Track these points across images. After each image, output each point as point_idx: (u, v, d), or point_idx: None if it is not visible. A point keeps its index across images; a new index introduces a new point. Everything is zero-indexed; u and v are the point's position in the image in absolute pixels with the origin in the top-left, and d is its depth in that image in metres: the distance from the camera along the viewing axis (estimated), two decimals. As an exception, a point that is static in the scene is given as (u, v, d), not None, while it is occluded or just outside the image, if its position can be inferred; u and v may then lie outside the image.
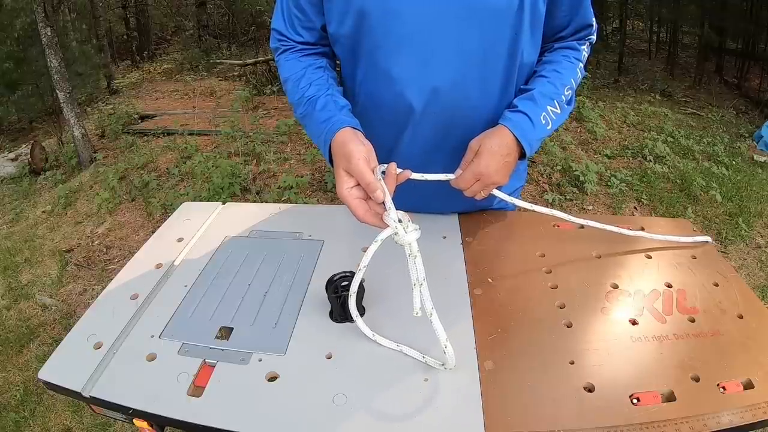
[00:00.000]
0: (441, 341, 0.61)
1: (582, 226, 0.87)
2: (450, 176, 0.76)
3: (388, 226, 0.62)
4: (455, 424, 0.56)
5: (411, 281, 0.61)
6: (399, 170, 0.69)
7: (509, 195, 0.82)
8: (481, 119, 0.81)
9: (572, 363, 0.63)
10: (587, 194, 3.06)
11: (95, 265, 2.73)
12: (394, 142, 0.85)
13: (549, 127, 0.79)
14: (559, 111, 0.80)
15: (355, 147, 0.67)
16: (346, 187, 0.66)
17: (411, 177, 0.71)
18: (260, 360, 0.66)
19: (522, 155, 0.78)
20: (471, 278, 0.80)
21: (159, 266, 0.86)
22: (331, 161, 0.73)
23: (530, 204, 0.81)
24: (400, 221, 0.62)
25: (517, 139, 0.75)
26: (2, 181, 4.05)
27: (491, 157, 0.73)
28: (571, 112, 0.85)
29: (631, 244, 0.86)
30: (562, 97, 0.80)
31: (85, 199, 3.43)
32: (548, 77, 0.80)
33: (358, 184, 0.66)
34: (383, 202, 0.64)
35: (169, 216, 1.04)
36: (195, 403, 0.60)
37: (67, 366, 0.67)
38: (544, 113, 0.78)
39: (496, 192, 0.79)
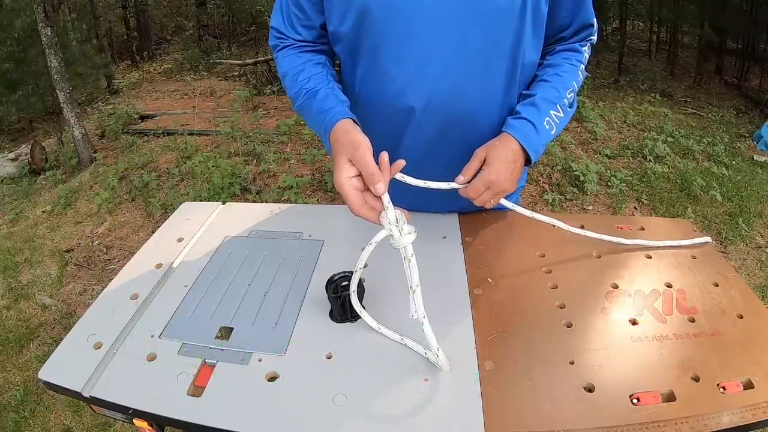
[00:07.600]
0: (432, 347, 0.61)
1: (582, 226, 0.87)
2: (453, 185, 0.75)
3: (383, 225, 0.61)
4: (455, 424, 0.56)
5: (407, 284, 0.61)
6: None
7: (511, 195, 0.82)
8: (483, 120, 0.81)
9: (572, 363, 0.63)
10: (587, 194, 3.06)
11: (95, 265, 2.73)
12: (394, 142, 0.85)
13: (553, 132, 0.79)
14: (561, 114, 0.80)
15: (360, 137, 0.66)
16: (346, 176, 0.64)
17: (414, 183, 0.70)
18: (260, 360, 0.66)
19: (527, 161, 0.78)
20: (471, 278, 0.79)
21: (159, 266, 0.86)
22: (329, 150, 0.72)
23: (530, 212, 0.80)
24: (397, 220, 0.61)
25: (522, 146, 0.75)
26: (2, 181, 4.05)
27: (501, 165, 0.73)
28: (573, 115, 0.85)
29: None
30: (564, 100, 0.80)
31: (85, 199, 3.43)
32: (550, 81, 0.80)
33: (359, 175, 0.64)
34: (381, 198, 0.62)
35: (169, 216, 1.04)
36: (195, 403, 0.60)
37: (67, 366, 0.67)
38: (547, 118, 0.78)
39: (503, 201, 0.78)
